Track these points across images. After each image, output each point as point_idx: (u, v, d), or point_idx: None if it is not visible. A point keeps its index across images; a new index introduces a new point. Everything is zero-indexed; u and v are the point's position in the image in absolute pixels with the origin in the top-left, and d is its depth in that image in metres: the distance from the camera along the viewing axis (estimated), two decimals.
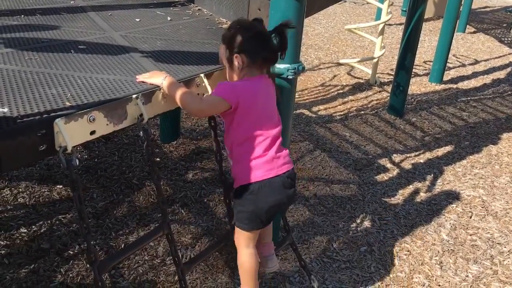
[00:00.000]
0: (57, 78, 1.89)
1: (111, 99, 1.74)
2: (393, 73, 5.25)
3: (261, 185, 1.98)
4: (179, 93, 1.89)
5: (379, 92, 5.67)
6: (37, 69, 1.96)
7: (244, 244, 2.14)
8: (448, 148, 4.36)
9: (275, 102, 2.10)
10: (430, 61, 6.73)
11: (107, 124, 1.73)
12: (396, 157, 4.13)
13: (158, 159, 3.73)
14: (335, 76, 6.15)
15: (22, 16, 2.77)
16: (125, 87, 1.87)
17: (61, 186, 3.24)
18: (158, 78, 1.93)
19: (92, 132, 1.68)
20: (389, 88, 5.49)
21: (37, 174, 3.37)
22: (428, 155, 4.21)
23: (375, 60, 5.81)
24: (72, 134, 1.58)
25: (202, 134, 4.18)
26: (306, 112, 4.93)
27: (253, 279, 2.17)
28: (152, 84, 1.91)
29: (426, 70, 6.63)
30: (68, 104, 1.66)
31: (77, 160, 1.59)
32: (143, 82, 1.95)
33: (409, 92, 5.28)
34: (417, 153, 4.24)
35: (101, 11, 3.07)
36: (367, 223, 3.18)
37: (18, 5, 3.03)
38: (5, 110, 1.56)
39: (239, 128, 1.96)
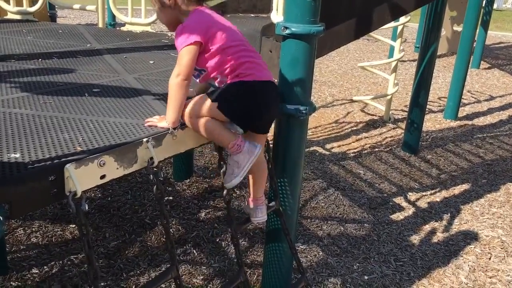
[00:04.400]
0: (69, 122, 1.92)
1: (122, 143, 1.75)
2: (407, 110, 5.23)
3: (262, 84, 1.99)
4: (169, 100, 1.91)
5: (393, 129, 5.65)
6: (50, 113, 2.00)
7: (208, 116, 1.97)
8: (464, 186, 4.28)
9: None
10: (444, 97, 6.71)
11: (117, 168, 1.74)
12: (412, 196, 4.06)
13: (170, 197, 3.73)
14: (348, 113, 6.15)
15: (40, 60, 2.85)
16: (136, 130, 1.89)
17: (73, 226, 3.25)
18: (164, 120, 1.95)
19: (102, 177, 1.69)
20: (403, 125, 5.47)
21: (50, 213, 3.39)
22: (444, 193, 4.14)
23: (388, 97, 5.82)
24: (82, 179, 1.59)
25: (215, 172, 4.17)
26: (320, 149, 4.92)
27: (225, 128, 2.01)
28: (163, 128, 1.92)
29: (440, 106, 6.60)
30: (79, 149, 1.67)
31: (86, 205, 1.59)
32: (154, 126, 1.95)
33: (424, 128, 5.24)
34: (433, 191, 4.17)
35: (117, 53, 3.15)
36: (382, 265, 3.11)
37: (36, 49, 3.12)
38: (17, 155, 1.58)
39: (220, 55, 1.93)
